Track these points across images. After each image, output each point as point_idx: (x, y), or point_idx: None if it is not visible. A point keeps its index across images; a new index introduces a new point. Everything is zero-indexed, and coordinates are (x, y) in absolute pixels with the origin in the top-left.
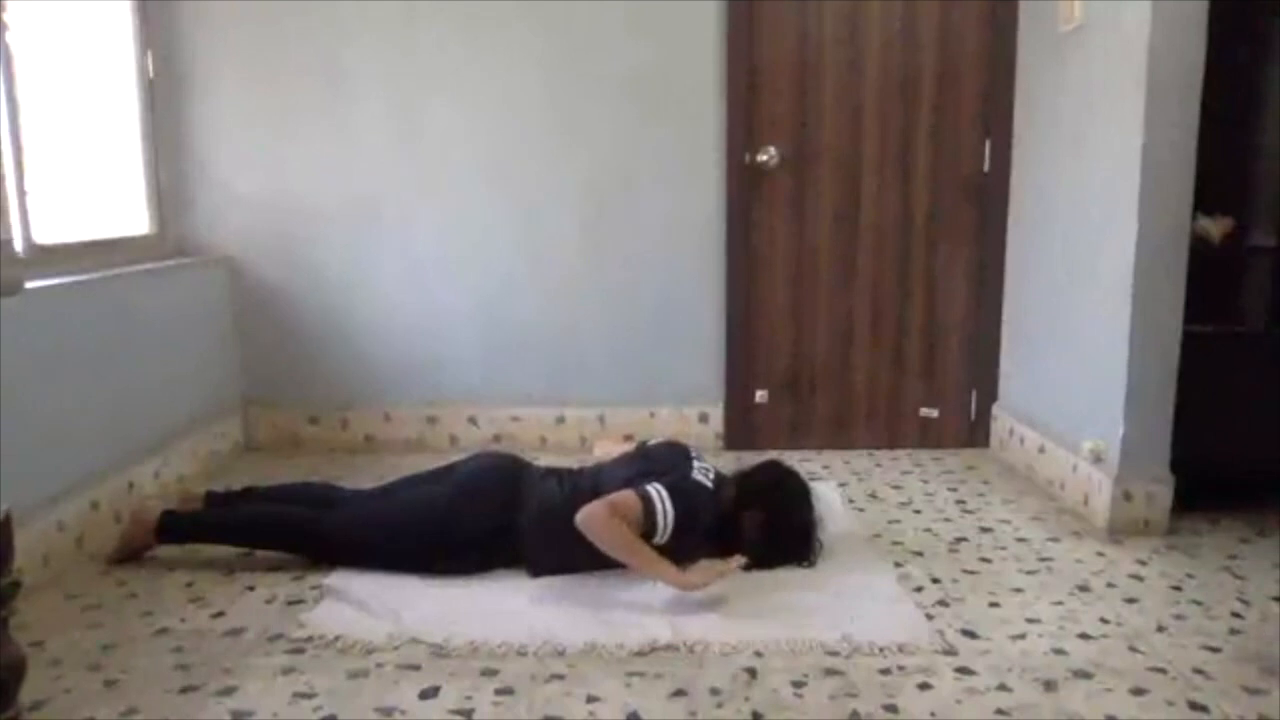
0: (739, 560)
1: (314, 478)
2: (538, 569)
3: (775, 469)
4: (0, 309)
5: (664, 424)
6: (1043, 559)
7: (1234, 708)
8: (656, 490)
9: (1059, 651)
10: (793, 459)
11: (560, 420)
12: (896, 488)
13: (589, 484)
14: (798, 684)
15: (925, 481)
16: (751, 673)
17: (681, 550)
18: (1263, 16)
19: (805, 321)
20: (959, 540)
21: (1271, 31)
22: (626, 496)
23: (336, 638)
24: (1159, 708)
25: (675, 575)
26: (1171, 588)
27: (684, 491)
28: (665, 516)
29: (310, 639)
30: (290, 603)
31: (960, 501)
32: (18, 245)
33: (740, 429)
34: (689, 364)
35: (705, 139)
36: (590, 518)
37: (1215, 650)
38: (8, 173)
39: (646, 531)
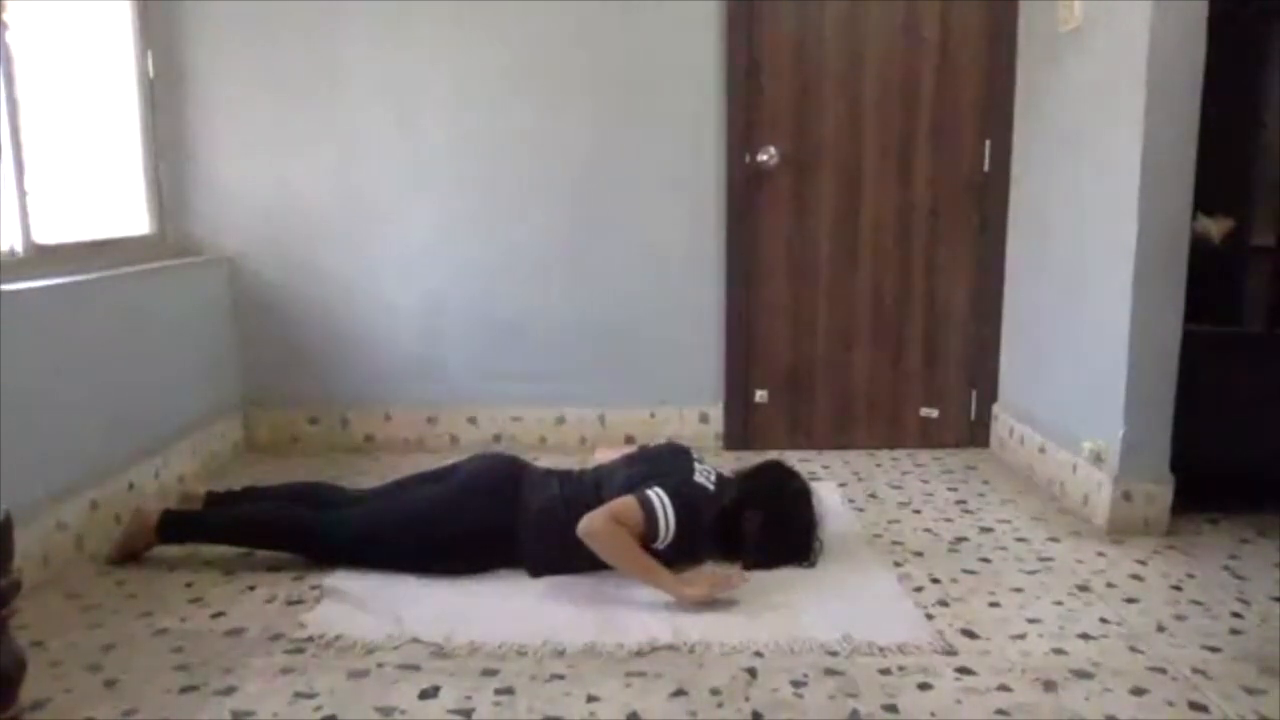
0: (742, 575)
1: (314, 478)
2: (537, 569)
3: (775, 469)
4: (0, 309)
5: (664, 424)
6: (1043, 559)
7: (1234, 708)
8: (657, 495)
9: (1059, 651)
10: (793, 459)
11: (560, 420)
12: (896, 488)
13: (590, 485)
14: (798, 684)
15: (925, 481)
16: (751, 673)
17: (684, 553)
18: (1263, 17)
19: (805, 321)
20: (959, 540)
21: (1271, 32)
22: (628, 502)
23: (336, 638)
24: (1159, 708)
25: (675, 586)
26: (1171, 588)
27: (685, 495)
28: (667, 521)
29: (310, 639)
30: (290, 603)
31: (960, 501)
32: (18, 246)
33: (740, 429)
34: (689, 364)
35: (705, 139)
36: (592, 527)
37: (1215, 650)
38: (8, 173)
39: (648, 535)
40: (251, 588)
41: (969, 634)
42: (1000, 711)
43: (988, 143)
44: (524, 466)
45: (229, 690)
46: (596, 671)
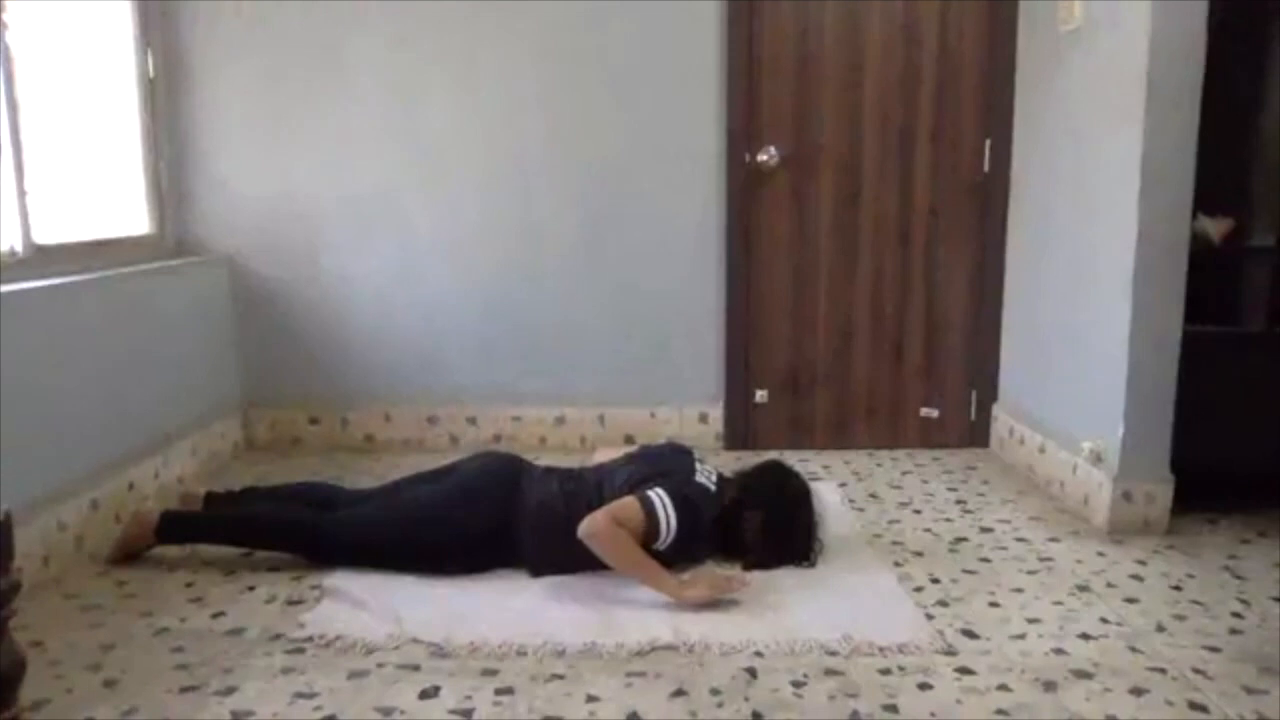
0: (742, 578)
1: (314, 478)
2: (537, 569)
3: (776, 470)
4: (0, 309)
5: (664, 424)
6: (1043, 559)
7: (1234, 708)
8: (659, 495)
9: (1059, 651)
10: (793, 459)
11: (560, 420)
12: (896, 488)
13: (591, 485)
14: (798, 684)
15: (925, 481)
16: (751, 673)
17: (684, 553)
18: (1263, 17)
19: (805, 321)
20: (959, 540)
21: (1271, 31)
22: (629, 503)
23: (336, 638)
24: (1159, 708)
25: (676, 587)
26: (1171, 588)
27: (686, 495)
28: (668, 521)
29: (310, 639)
30: (290, 603)
31: (960, 501)
32: (18, 246)
33: (740, 429)
34: (689, 364)
35: (705, 139)
36: (593, 528)
37: (1215, 650)
38: (8, 173)
39: (650, 536)
40: (251, 588)
41: (969, 634)
42: (1000, 711)
43: (988, 143)
44: (524, 466)
45: (229, 690)
46: (596, 671)
